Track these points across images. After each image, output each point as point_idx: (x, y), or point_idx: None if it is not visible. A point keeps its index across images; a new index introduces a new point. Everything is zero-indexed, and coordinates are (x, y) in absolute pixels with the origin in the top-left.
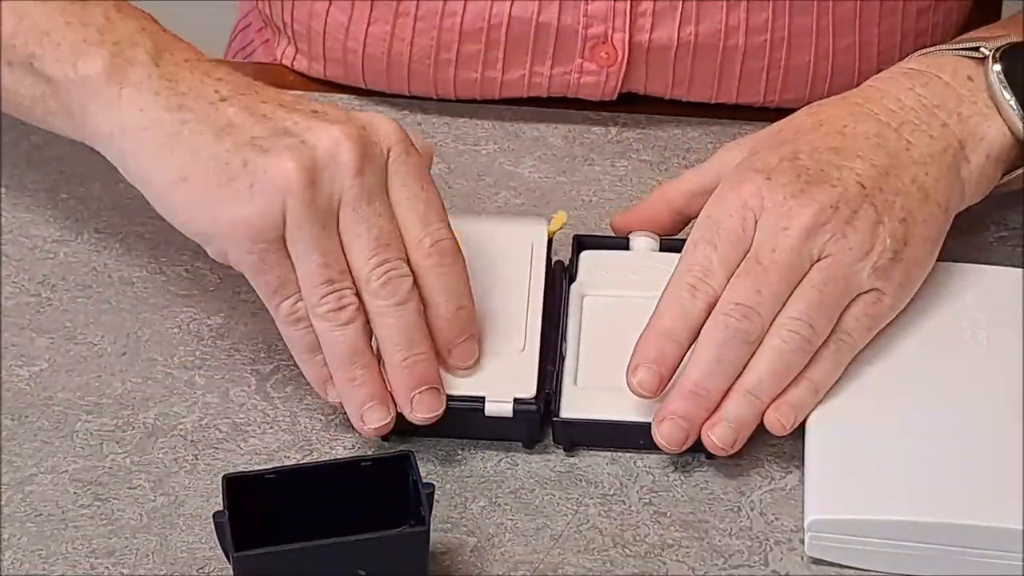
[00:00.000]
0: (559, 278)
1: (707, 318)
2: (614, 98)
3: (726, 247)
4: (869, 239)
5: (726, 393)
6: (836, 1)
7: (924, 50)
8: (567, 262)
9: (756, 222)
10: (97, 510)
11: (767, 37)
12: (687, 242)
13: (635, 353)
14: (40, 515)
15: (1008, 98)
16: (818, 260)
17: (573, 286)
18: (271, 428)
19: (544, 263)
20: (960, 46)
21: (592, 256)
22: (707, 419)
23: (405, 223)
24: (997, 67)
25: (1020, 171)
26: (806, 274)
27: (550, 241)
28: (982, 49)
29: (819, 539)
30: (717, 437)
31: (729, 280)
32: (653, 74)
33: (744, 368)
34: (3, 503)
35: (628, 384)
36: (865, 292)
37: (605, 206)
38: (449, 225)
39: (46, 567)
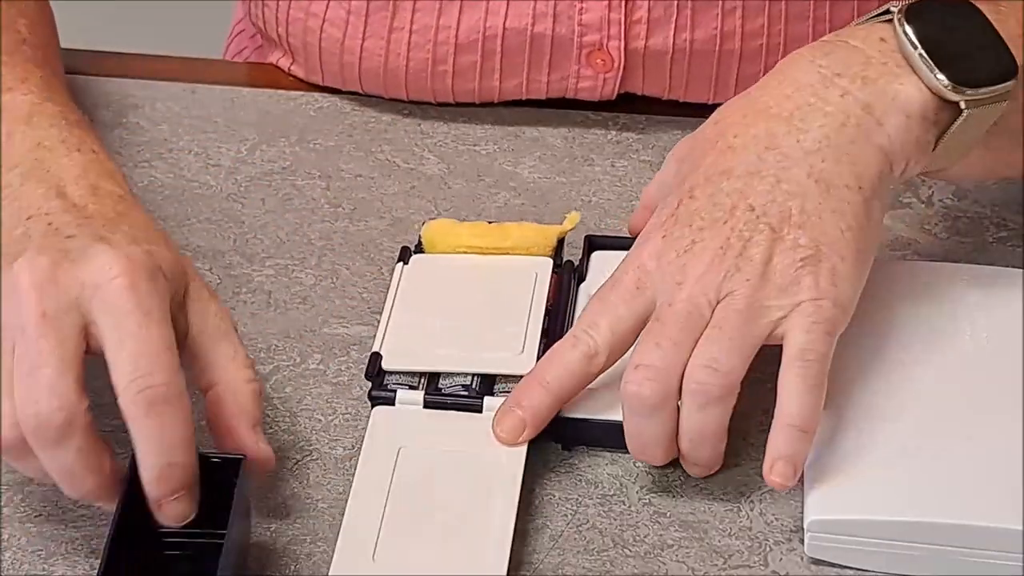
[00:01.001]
0: (568, 278)
1: (585, 369)
2: (613, 98)
3: (615, 302)
4: (766, 264)
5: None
6: (832, 9)
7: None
8: (577, 262)
9: (652, 281)
10: (97, 510)
11: (763, 42)
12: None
13: (512, 395)
14: (40, 515)
15: (918, 52)
16: (718, 303)
17: (582, 286)
18: (271, 428)
19: (546, 290)
20: (874, 12)
21: (604, 256)
22: (669, 454)
23: (113, 365)
24: (906, 25)
25: (954, 130)
26: (711, 315)
27: (561, 242)
28: (890, 8)
29: (819, 539)
30: (692, 473)
31: (613, 333)
32: (650, 78)
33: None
34: (3, 503)
35: (492, 421)
36: (799, 304)
37: (605, 206)
38: (170, 367)
39: (46, 567)
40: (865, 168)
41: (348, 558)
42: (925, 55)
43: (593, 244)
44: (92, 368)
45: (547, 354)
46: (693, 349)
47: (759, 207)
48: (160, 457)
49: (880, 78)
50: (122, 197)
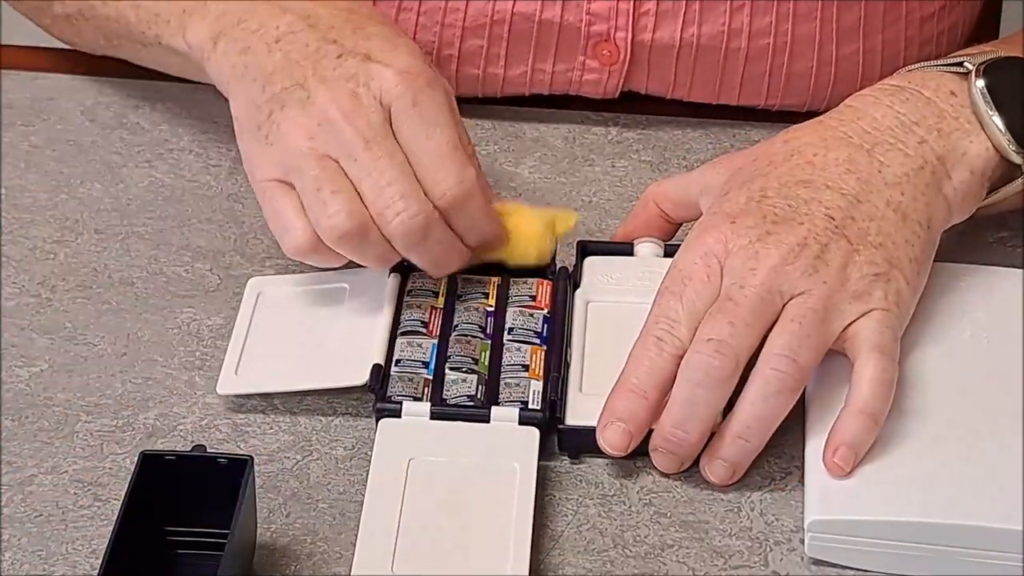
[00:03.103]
0: (564, 284)
1: (676, 370)
2: (616, 96)
3: (691, 296)
4: (843, 271)
5: (720, 433)
6: (839, 9)
7: (911, 66)
8: (571, 268)
9: (722, 268)
10: (97, 510)
11: (770, 41)
12: (657, 292)
13: (605, 408)
14: (40, 515)
15: (991, 113)
16: (791, 299)
17: (578, 292)
18: (271, 428)
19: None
20: (945, 61)
21: (596, 262)
22: (692, 452)
23: (418, 173)
24: (980, 82)
25: (1006, 189)
26: (780, 312)
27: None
28: (966, 64)
29: (819, 539)
30: (714, 474)
31: (696, 329)
32: (655, 74)
33: (732, 405)
34: (3, 503)
35: (597, 439)
36: (870, 311)
37: (605, 206)
38: (463, 162)
39: (46, 567)
40: (934, 212)
41: (366, 570)
42: (999, 119)
43: (586, 250)
44: (92, 368)
45: (633, 357)
46: (761, 335)
47: (838, 219)
48: (477, 236)
49: (953, 133)
50: None
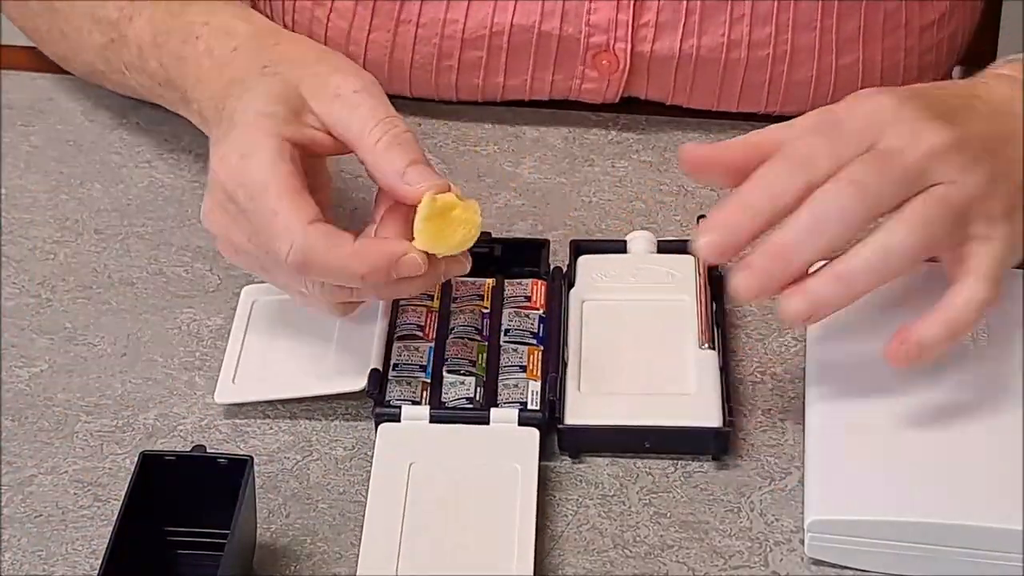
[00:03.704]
0: (558, 284)
1: (797, 203)
2: (616, 102)
3: (841, 139)
4: (986, 185)
5: (819, 271)
6: (839, 19)
7: (1009, 57)
8: (565, 268)
9: (880, 134)
10: (97, 510)
11: (769, 52)
12: (793, 128)
13: (708, 216)
14: (40, 515)
15: None
16: (938, 184)
17: (572, 291)
18: (271, 428)
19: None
20: None
21: (590, 260)
22: (777, 286)
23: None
24: None
25: None
26: (922, 191)
27: (546, 250)
28: None
29: (819, 540)
30: (791, 309)
31: (832, 171)
32: (654, 82)
33: (842, 251)
34: (3, 504)
35: (693, 245)
36: (991, 239)
37: (605, 207)
38: (281, 234)
39: (46, 567)
40: None
41: (371, 570)
42: None
43: (579, 249)
44: (92, 368)
45: (755, 179)
46: (897, 204)
47: (996, 140)
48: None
49: None
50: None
